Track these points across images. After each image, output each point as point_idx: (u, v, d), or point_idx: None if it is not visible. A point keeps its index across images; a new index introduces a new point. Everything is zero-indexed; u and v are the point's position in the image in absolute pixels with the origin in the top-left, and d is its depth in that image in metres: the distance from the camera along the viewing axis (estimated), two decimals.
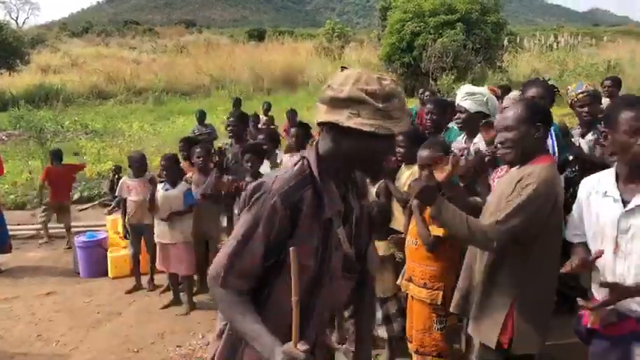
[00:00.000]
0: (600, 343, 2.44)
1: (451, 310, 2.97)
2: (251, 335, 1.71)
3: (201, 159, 5.45)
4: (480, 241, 2.58)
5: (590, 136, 3.96)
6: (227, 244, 1.78)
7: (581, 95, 4.09)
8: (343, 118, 1.68)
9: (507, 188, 2.62)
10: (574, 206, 2.58)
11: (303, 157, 1.80)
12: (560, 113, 10.67)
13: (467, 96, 4.01)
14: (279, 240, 1.72)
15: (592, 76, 20.16)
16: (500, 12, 24.08)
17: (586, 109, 4.06)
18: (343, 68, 1.78)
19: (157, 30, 57.94)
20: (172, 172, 5.34)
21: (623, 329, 2.34)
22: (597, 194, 2.43)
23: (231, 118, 6.06)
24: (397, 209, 4.07)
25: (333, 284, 1.85)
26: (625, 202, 2.32)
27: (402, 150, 3.96)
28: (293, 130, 5.08)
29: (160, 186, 5.40)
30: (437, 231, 3.20)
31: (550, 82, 4.34)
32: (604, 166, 3.06)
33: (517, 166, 2.69)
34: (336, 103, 1.69)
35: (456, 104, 4.07)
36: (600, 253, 2.31)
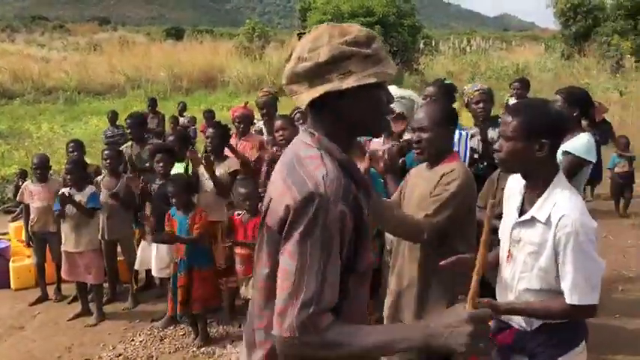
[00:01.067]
0: (497, 348, 2.43)
1: (386, 318, 2.97)
2: (392, 339, 1.39)
3: (108, 161, 5.21)
4: (410, 233, 2.61)
5: (491, 132, 4.10)
6: (296, 284, 1.38)
7: (477, 93, 4.29)
8: (336, 83, 1.45)
9: (428, 187, 2.70)
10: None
11: (319, 150, 1.51)
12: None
13: (396, 99, 4.07)
14: (351, 248, 1.48)
15: (502, 78, 21.16)
16: (416, 16, 24.78)
17: (481, 105, 4.28)
18: (300, 35, 1.55)
19: (68, 27, 55.37)
20: (77, 176, 5.05)
21: (503, 340, 2.33)
22: (513, 195, 2.37)
23: (128, 120, 5.87)
24: None
25: None
26: (523, 212, 2.26)
27: None
28: (209, 131, 4.95)
29: (65, 190, 5.09)
30: None
31: (447, 82, 4.50)
32: None
33: (429, 166, 2.81)
34: (317, 71, 1.46)
35: None
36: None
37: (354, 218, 1.46)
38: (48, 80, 23.21)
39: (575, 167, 3.35)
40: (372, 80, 1.47)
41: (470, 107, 4.32)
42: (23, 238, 6.17)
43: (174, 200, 4.50)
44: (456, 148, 3.68)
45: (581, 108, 3.64)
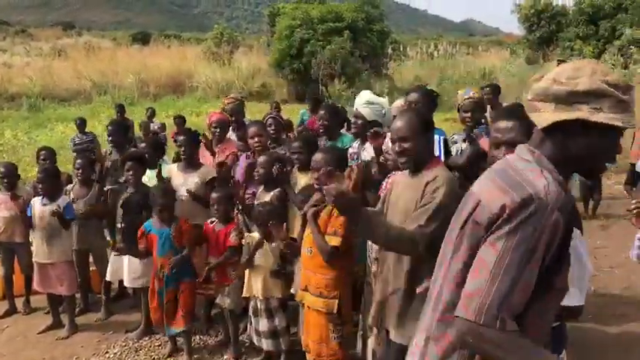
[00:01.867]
0: None
1: (370, 324, 2.97)
2: None
3: (80, 171, 5.07)
4: (406, 248, 2.61)
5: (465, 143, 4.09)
6: (492, 275, 1.49)
7: (466, 101, 4.24)
8: (585, 114, 1.53)
9: (413, 196, 2.69)
10: None
11: (538, 166, 1.59)
12: (441, 118, 11.15)
13: (367, 104, 4.08)
14: (554, 260, 1.54)
15: (469, 83, 21.48)
16: (384, 21, 24.97)
17: (469, 114, 4.20)
18: (560, 62, 1.64)
19: (30, 31, 54.13)
20: (50, 186, 4.88)
21: None
22: None
23: (110, 127, 5.79)
24: (295, 218, 4.02)
25: None
26: None
27: (299, 156, 3.93)
28: (180, 138, 4.88)
29: (37, 200, 4.95)
30: (334, 241, 3.16)
31: (429, 88, 4.48)
32: None
33: (412, 174, 2.79)
34: (570, 97, 1.54)
35: (355, 110, 4.11)
36: None
37: (564, 233, 1.53)
38: (11, 86, 22.69)
39: None
40: (619, 124, 1.53)
41: (460, 113, 4.30)
42: None
43: (162, 213, 4.27)
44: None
45: None
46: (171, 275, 4.25)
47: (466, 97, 4.25)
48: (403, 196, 2.79)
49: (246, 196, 4.56)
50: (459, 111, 4.32)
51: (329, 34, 21.76)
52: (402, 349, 2.73)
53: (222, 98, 5.90)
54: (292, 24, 22.49)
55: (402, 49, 31.45)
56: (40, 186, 4.94)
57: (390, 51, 25.75)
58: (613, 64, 16.99)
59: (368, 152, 3.98)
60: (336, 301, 3.25)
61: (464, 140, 4.19)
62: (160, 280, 4.29)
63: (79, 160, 5.17)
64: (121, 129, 5.97)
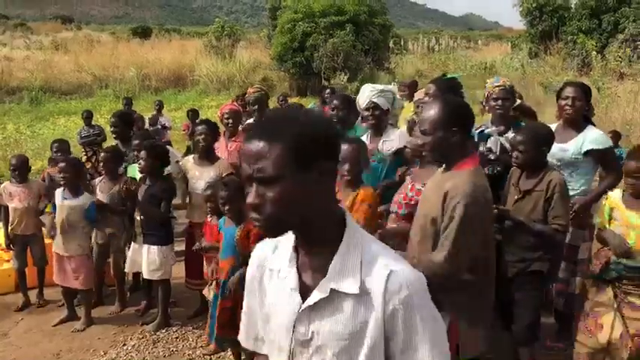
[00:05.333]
0: None
1: None
2: None
3: (103, 164, 5.00)
4: (443, 278, 2.48)
5: (510, 134, 3.83)
6: None
7: (497, 88, 4.05)
8: None
9: (433, 202, 2.60)
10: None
11: None
12: None
13: (381, 93, 4.02)
14: None
15: (472, 77, 21.45)
16: (387, 14, 24.90)
17: (499, 102, 3.97)
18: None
19: (29, 25, 53.96)
20: (73, 177, 4.77)
21: None
22: (270, 272, 1.49)
23: (113, 119, 5.73)
24: None
25: None
26: (306, 291, 1.39)
27: None
28: (200, 128, 4.79)
29: (58, 193, 4.86)
30: None
31: (452, 76, 4.34)
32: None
33: (444, 169, 2.70)
34: None
35: (368, 101, 4.04)
36: None
37: None
38: (11, 80, 22.59)
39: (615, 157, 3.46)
40: None
41: (488, 103, 4.13)
42: (1, 241, 5.97)
43: (226, 207, 3.79)
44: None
45: (588, 102, 3.74)
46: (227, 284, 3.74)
47: (496, 84, 4.06)
48: (426, 199, 2.70)
49: None
50: (487, 100, 4.13)
51: (331, 27, 21.68)
52: None
53: (249, 88, 5.88)
54: (294, 17, 22.40)
55: (402, 43, 31.44)
56: (61, 176, 4.81)
57: (391, 45, 25.70)
58: (620, 57, 16.93)
59: (395, 142, 3.93)
60: None
61: (500, 134, 3.93)
62: (217, 285, 3.82)
63: (105, 155, 5.11)
64: (123, 121, 5.86)
